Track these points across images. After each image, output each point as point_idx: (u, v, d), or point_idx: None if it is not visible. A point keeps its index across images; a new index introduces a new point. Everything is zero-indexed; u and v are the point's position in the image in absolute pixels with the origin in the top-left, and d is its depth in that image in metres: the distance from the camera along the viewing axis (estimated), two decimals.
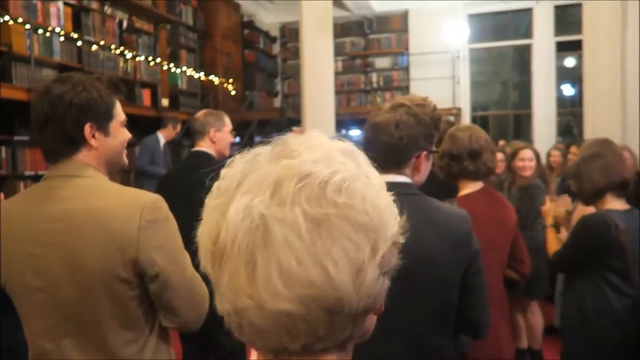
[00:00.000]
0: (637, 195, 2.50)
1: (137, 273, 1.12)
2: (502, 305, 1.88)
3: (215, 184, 0.51)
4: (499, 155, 3.43)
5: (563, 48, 8.49)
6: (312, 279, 0.44)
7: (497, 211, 1.89)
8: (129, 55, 5.82)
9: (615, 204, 2.04)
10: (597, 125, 5.23)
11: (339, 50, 8.93)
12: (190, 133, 2.62)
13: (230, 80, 7.81)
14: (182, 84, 7.18)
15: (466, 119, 8.55)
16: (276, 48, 9.93)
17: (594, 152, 2.10)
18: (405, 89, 8.93)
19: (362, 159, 0.53)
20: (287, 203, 0.45)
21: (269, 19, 9.72)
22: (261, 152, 0.51)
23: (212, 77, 7.45)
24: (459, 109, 8.62)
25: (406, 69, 9.08)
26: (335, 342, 0.48)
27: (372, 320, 0.54)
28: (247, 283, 0.45)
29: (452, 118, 8.11)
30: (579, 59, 6.54)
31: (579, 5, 5.66)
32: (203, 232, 0.50)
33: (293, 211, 0.45)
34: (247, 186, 0.48)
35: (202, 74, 7.32)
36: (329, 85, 6.49)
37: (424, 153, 1.34)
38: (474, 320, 1.34)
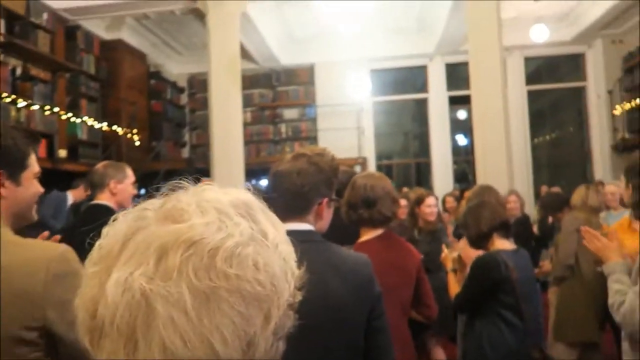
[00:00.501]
0: (524, 234, 2.74)
1: (44, 333, 1.02)
2: (405, 349, 1.91)
3: (97, 244, 0.47)
4: (402, 202, 3.59)
5: (455, 102, 9.27)
6: (198, 358, 0.41)
7: (396, 256, 1.95)
8: (22, 103, 5.45)
9: (503, 244, 2.23)
10: (487, 171, 5.70)
11: (247, 102, 9.04)
12: (90, 186, 2.48)
13: (135, 131, 7.55)
14: (83, 134, 6.82)
15: (372, 167, 8.93)
16: (184, 98, 9.84)
17: (477, 201, 2.32)
18: (314, 139, 9.19)
19: (259, 212, 0.51)
20: (172, 276, 0.42)
21: (176, 70, 9.65)
22: (150, 208, 0.48)
23: (115, 127, 7.17)
24: (364, 158, 9.00)
25: (314, 120, 9.38)
26: None
27: None
28: None
29: (358, 167, 8.43)
30: (469, 111, 7.17)
31: (467, 63, 6.26)
32: (80, 304, 0.45)
33: (178, 286, 0.42)
34: (130, 252, 0.44)
35: (104, 124, 7.02)
36: (238, 135, 6.50)
37: (325, 200, 1.38)
38: None
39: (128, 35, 7.91)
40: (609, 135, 8.73)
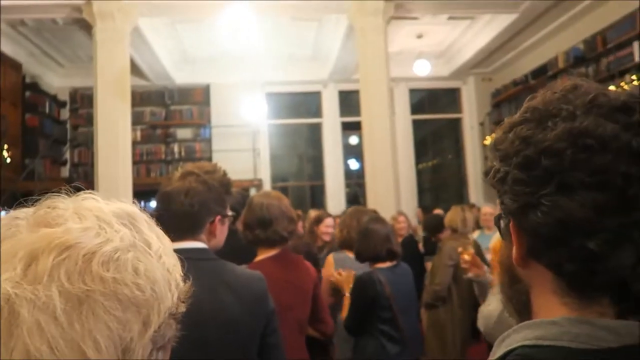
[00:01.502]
0: (411, 252, 2.95)
1: None
2: None
3: None
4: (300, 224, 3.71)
5: (347, 127, 9.68)
6: None
7: (292, 274, 1.97)
8: None
9: (382, 262, 2.41)
10: (377, 193, 6.00)
11: (137, 119, 8.64)
12: None
13: (5, 147, 6.84)
14: None
15: (267, 189, 8.96)
16: (65, 113, 9.13)
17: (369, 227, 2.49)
18: (208, 160, 9.00)
19: (144, 224, 0.50)
20: (42, 280, 0.40)
21: (57, 82, 8.95)
22: (21, 216, 0.45)
23: None
24: (260, 180, 9.00)
25: (209, 141, 9.21)
26: None
27: None
28: None
29: (254, 189, 8.41)
30: (361, 137, 7.53)
31: (358, 91, 6.60)
32: None
33: (48, 290, 0.39)
34: None
35: None
36: (126, 154, 6.16)
37: (218, 217, 1.37)
38: None
39: (1, 42, 7.20)
40: (481, 162, 9.67)
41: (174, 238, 1.37)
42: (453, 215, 3.94)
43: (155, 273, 0.46)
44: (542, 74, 7.78)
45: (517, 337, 0.54)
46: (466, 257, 2.04)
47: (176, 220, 1.31)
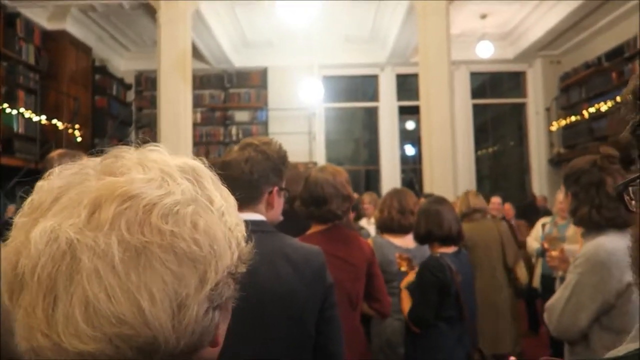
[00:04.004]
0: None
1: None
2: (355, 342, 1.91)
3: (28, 199, 0.44)
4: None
5: (404, 112, 9.50)
6: (122, 315, 0.39)
7: (341, 249, 1.94)
8: None
9: (444, 248, 2.29)
10: (434, 180, 5.87)
11: (198, 102, 8.87)
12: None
13: (77, 126, 7.22)
14: (19, 128, 6.44)
15: (325, 164, 8.97)
16: (130, 95, 9.52)
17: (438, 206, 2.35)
18: None
19: (208, 180, 0.49)
20: (103, 228, 0.40)
21: (123, 66, 9.33)
22: (89, 165, 0.45)
23: (55, 121, 6.82)
24: (315, 163, 9.03)
25: (265, 124, 9.33)
26: None
27: (210, 353, 0.49)
28: (44, 319, 0.39)
29: None
30: (418, 122, 7.37)
31: (416, 75, 6.43)
32: (4, 256, 0.42)
33: (108, 238, 0.39)
34: (63, 204, 0.41)
35: (43, 117, 6.66)
36: (187, 136, 6.36)
37: (276, 189, 1.38)
38: (330, 352, 1.36)
39: (72, 27, 7.56)
40: (545, 149, 9.22)
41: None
42: (463, 200, 3.81)
43: (215, 230, 0.45)
44: (618, 55, 7.26)
45: None
46: (554, 253, 1.89)
47: (235, 189, 1.31)
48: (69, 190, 0.43)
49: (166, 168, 0.46)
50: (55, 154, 2.30)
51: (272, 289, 1.25)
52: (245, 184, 1.32)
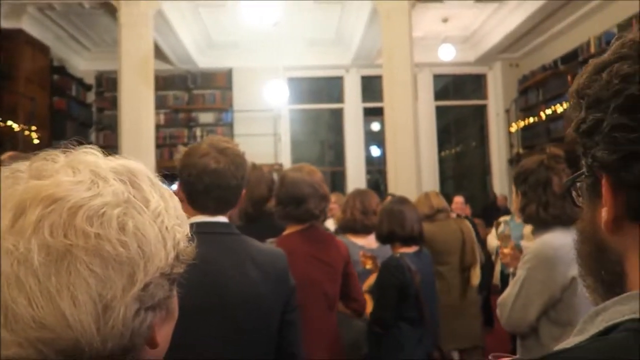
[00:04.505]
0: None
1: None
2: (331, 342, 1.92)
3: None
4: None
5: (370, 113, 9.60)
6: (42, 319, 0.39)
7: (319, 250, 1.95)
8: None
9: (405, 248, 2.33)
10: (398, 181, 5.95)
11: (161, 103, 8.73)
12: None
13: (34, 128, 6.99)
14: None
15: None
16: (91, 96, 9.27)
17: (400, 206, 2.39)
18: None
19: (145, 181, 0.49)
20: (26, 233, 0.40)
21: (83, 66, 9.08)
22: (22, 168, 0.45)
23: (10, 123, 6.58)
24: (281, 165, 9.02)
25: (230, 125, 9.25)
26: None
27: (150, 354, 0.49)
28: None
29: (275, 174, 8.43)
30: (383, 123, 7.46)
31: (381, 77, 6.51)
32: None
33: (28, 243, 0.39)
34: None
35: None
36: (149, 137, 6.24)
37: (244, 190, 1.41)
38: (291, 355, 1.37)
39: (29, 26, 7.31)
40: (506, 150, 9.49)
41: (213, 213, 1.36)
42: (421, 200, 3.87)
43: (147, 231, 0.45)
44: (573, 59, 7.55)
45: (622, 309, 0.46)
46: (506, 250, 1.95)
47: (226, 195, 1.32)
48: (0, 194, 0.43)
49: (97, 170, 0.46)
50: (6, 156, 2.22)
51: (240, 291, 1.25)
52: (236, 191, 1.35)
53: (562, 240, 1.62)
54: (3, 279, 0.39)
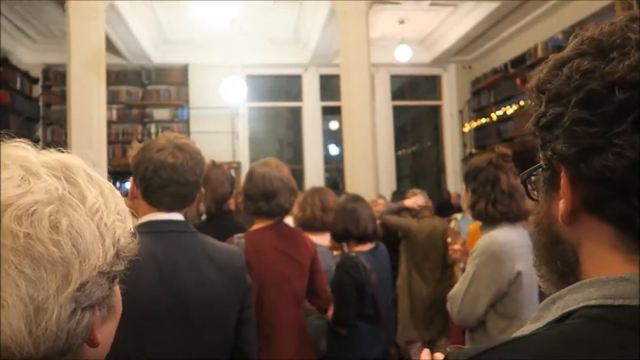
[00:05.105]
0: (389, 234, 2.88)
1: None
2: (299, 338, 1.91)
3: None
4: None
5: (328, 112, 9.64)
6: None
7: (288, 246, 1.94)
8: None
9: (361, 246, 2.36)
10: (356, 179, 6.01)
11: (113, 99, 8.45)
12: None
13: None
14: None
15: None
16: (37, 90, 8.86)
17: (353, 204, 2.41)
18: None
19: (82, 176, 0.47)
20: None
21: (29, 58, 8.66)
22: None
23: None
24: (239, 163, 8.93)
25: (186, 122, 9.07)
26: None
27: (91, 353, 0.47)
28: None
29: (232, 172, 8.34)
30: (341, 122, 7.51)
31: (339, 76, 6.55)
32: None
33: None
34: None
35: None
36: (101, 133, 6.03)
37: (202, 190, 1.41)
38: (244, 352, 1.37)
39: None
40: (459, 149, 9.76)
41: (168, 209, 1.34)
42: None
43: (82, 228, 0.43)
44: (521, 63, 7.85)
45: (577, 297, 0.47)
46: (456, 247, 2.00)
47: (184, 191, 1.31)
48: None
49: (28, 165, 0.44)
50: None
51: (197, 290, 1.24)
52: (194, 187, 1.33)
53: (508, 236, 1.69)
54: None
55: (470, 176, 1.84)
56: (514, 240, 1.69)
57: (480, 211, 1.78)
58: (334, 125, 10.09)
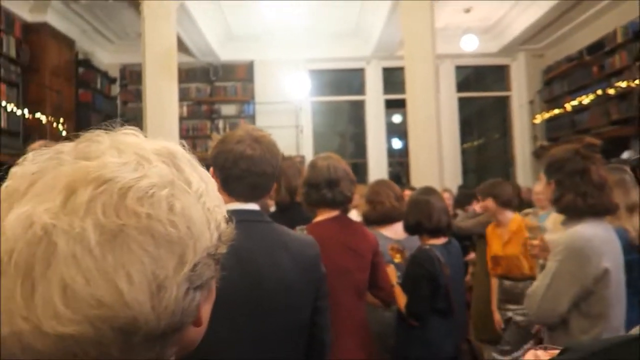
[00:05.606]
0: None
1: None
2: (360, 331, 1.93)
3: (3, 186, 0.44)
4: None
5: (391, 105, 9.53)
6: (101, 297, 0.39)
7: (350, 238, 1.95)
8: None
9: (434, 239, 2.31)
10: (420, 173, 5.92)
11: (183, 95, 8.80)
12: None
13: (61, 120, 7.13)
14: (1, 122, 6.33)
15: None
16: (115, 89, 9.41)
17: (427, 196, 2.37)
18: None
19: (186, 163, 0.49)
20: (79, 213, 0.40)
21: (107, 59, 9.21)
22: (65, 150, 0.46)
23: (38, 115, 6.73)
24: (302, 157, 9.04)
25: (252, 117, 9.29)
26: None
27: (194, 332, 0.50)
28: (24, 304, 0.39)
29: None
30: (404, 115, 7.42)
31: (402, 68, 6.46)
32: None
33: (83, 222, 0.40)
34: (38, 190, 0.42)
35: (25, 111, 6.56)
36: (173, 129, 6.32)
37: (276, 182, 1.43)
38: (320, 340, 1.40)
39: (54, 19, 7.44)
40: (529, 142, 9.34)
41: (246, 200, 1.37)
42: None
43: (193, 212, 0.45)
44: (599, 49, 7.38)
45: None
46: (535, 242, 1.92)
47: (261, 182, 1.34)
48: (44, 176, 0.43)
49: (141, 151, 0.46)
50: (36, 144, 2.28)
51: (272, 278, 1.27)
52: (271, 178, 1.37)
53: (594, 232, 1.60)
54: (61, 257, 0.39)
55: (554, 167, 1.75)
56: (600, 235, 1.60)
57: (568, 204, 1.69)
58: (396, 118, 9.97)
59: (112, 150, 0.44)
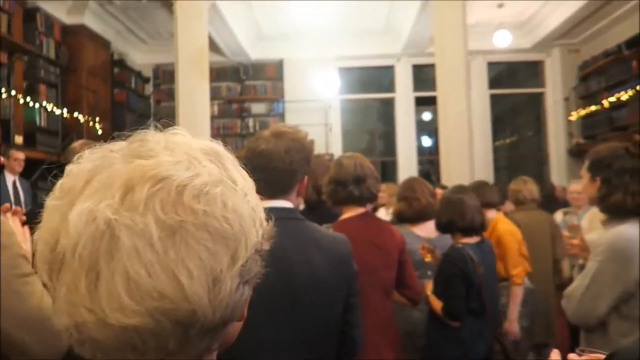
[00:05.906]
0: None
1: None
2: (387, 330, 1.93)
3: (58, 183, 0.46)
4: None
5: (421, 103, 9.44)
6: (162, 290, 0.41)
7: (377, 236, 1.95)
8: None
9: (466, 238, 2.28)
10: (451, 171, 5.85)
11: (215, 94, 8.93)
12: (66, 167, 2.40)
13: (97, 119, 7.34)
14: (41, 121, 6.57)
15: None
16: (148, 89, 9.62)
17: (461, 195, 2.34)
18: None
19: (229, 162, 0.51)
20: (138, 209, 0.41)
21: (141, 59, 9.42)
22: (115, 149, 0.47)
23: (76, 114, 6.94)
24: (331, 155, 9.04)
25: (282, 115, 9.36)
26: (189, 356, 0.45)
27: (234, 328, 0.52)
28: (88, 295, 0.41)
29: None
30: (434, 113, 7.33)
31: (433, 65, 6.39)
32: (39, 237, 0.44)
33: (144, 217, 0.41)
34: (95, 187, 0.43)
35: (64, 110, 6.78)
36: (205, 128, 6.42)
37: (306, 177, 1.42)
38: (351, 337, 1.40)
39: (91, 21, 7.67)
40: (564, 139, 9.10)
41: (267, 196, 1.37)
42: (517, 186, 3.75)
43: (242, 209, 0.46)
44: (638, 43, 7.12)
45: None
46: (574, 241, 1.85)
47: (272, 178, 1.33)
48: (99, 174, 0.44)
49: (191, 151, 0.47)
50: (77, 144, 2.35)
51: (304, 275, 1.27)
52: (285, 174, 1.35)
53: (637, 233, 1.55)
54: (124, 251, 0.40)
55: (601, 164, 1.69)
56: None
57: (616, 203, 1.63)
58: (426, 116, 9.87)
59: (165, 150, 0.46)
